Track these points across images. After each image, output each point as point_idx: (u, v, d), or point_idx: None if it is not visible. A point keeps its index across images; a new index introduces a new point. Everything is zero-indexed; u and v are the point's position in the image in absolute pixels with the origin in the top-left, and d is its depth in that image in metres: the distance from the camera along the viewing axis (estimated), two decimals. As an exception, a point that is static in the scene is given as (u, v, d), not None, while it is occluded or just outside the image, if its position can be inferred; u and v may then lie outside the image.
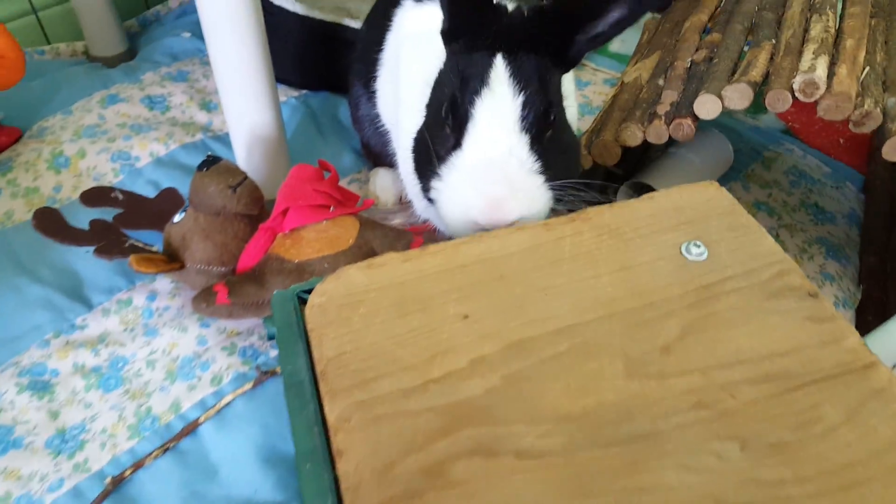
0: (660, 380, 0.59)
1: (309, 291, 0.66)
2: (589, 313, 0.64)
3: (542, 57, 0.79)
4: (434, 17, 0.87)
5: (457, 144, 0.78)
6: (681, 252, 0.69)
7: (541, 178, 0.78)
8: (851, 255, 1.19)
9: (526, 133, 0.77)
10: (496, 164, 0.76)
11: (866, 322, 1.09)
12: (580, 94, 1.52)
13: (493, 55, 0.78)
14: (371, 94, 1.13)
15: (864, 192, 1.34)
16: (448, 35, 0.83)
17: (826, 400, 0.58)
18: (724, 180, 1.30)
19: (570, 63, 0.84)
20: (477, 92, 0.77)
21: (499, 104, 0.77)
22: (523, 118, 0.77)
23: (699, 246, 0.69)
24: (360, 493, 0.52)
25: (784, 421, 0.57)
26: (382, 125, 1.13)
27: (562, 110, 0.84)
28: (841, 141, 1.45)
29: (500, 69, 0.78)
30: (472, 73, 0.78)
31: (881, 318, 1.09)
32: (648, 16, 1.78)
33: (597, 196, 0.83)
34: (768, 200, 1.27)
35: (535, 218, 0.78)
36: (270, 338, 0.67)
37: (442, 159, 0.80)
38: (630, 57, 1.41)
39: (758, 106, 1.53)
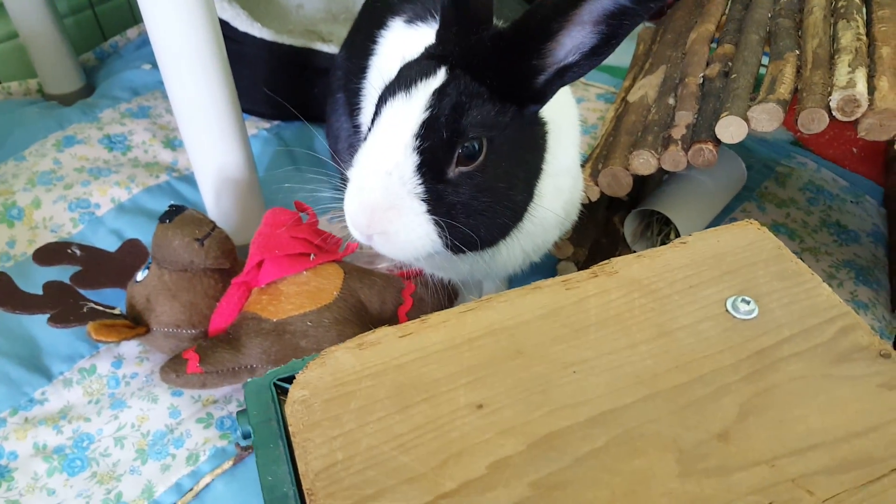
0: (721, 477, 0.49)
1: (289, 379, 0.55)
2: (628, 394, 0.54)
3: (489, 85, 0.69)
4: (427, 40, 0.77)
5: (363, 142, 0.72)
6: (727, 310, 0.59)
7: (423, 207, 0.68)
8: (881, 277, 1.10)
9: (418, 154, 0.68)
10: (377, 173, 0.68)
11: (905, 352, 0.99)
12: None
13: (439, 67, 0.70)
14: (356, 128, 1.02)
15: (884, 206, 1.25)
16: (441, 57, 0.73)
17: (921, 491, 0.48)
18: (738, 201, 1.21)
19: (537, 96, 0.73)
20: (394, 94, 0.70)
21: (405, 112, 0.69)
22: (419, 137, 0.67)
23: (748, 302, 0.59)
24: None
25: (876, 523, 0.47)
26: None
27: (499, 151, 0.71)
28: (854, 150, 1.36)
29: (431, 81, 0.69)
30: (406, 76, 0.70)
31: (921, 348, 0.99)
32: (642, 25, 1.69)
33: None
34: (787, 221, 1.18)
35: (403, 249, 0.71)
36: (245, 437, 0.56)
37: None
38: (626, 70, 1.31)
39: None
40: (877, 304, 1.04)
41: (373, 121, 0.73)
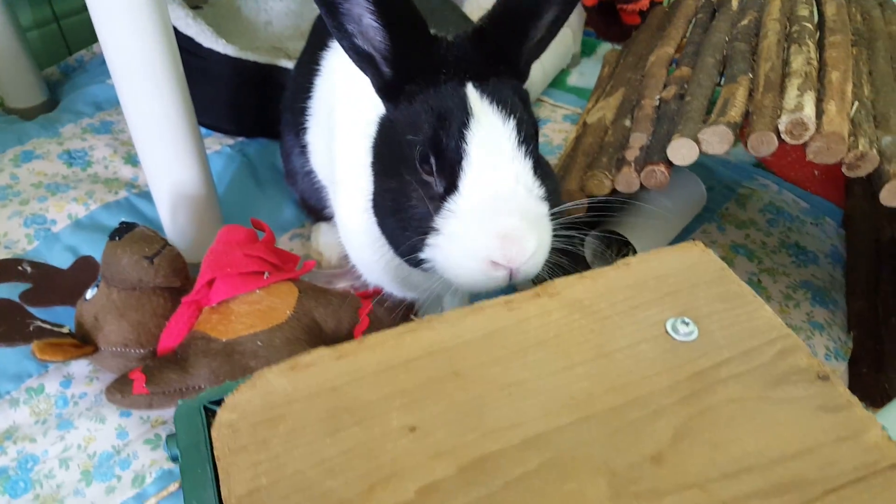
0: (652, 500, 0.48)
1: (220, 402, 0.54)
2: (562, 416, 0.53)
3: (508, 76, 0.72)
4: None
5: (450, 188, 0.68)
6: (667, 331, 0.59)
7: (546, 206, 0.70)
8: (838, 298, 1.10)
9: (527, 158, 0.69)
10: (504, 196, 0.67)
11: (860, 374, 1.00)
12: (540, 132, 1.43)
13: (463, 85, 0.69)
14: (303, 148, 1.01)
15: (843, 227, 1.26)
16: (390, 88, 0.73)
17: (852, 515, 0.48)
18: (698, 222, 1.21)
19: (523, 77, 0.76)
20: (464, 125, 0.68)
21: (492, 133, 0.68)
22: (520, 142, 0.68)
23: (688, 323, 0.59)
24: None
25: (807, 549, 0.46)
26: (318, 181, 1.01)
27: None
28: (816, 173, 1.38)
29: (476, 98, 0.69)
30: (447, 108, 0.68)
31: (876, 369, 1.00)
32: (608, 47, 1.71)
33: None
34: (746, 242, 1.18)
35: (545, 251, 0.70)
36: (174, 460, 0.54)
37: (434, 211, 0.69)
38: (591, 91, 1.32)
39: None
40: (833, 324, 1.05)
41: (441, 170, 0.69)
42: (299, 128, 0.99)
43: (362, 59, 0.71)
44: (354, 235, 0.87)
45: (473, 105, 0.69)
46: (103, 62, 1.59)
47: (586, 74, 1.60)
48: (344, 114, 0.84)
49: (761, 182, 1.32)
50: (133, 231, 0.90)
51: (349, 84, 0.83)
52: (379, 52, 0.71)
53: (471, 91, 0.69)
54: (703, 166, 1.34)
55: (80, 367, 0.99)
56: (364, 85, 0.74)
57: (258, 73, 1.28)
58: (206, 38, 1.28)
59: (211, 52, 1.27)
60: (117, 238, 0.89)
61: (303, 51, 1.10)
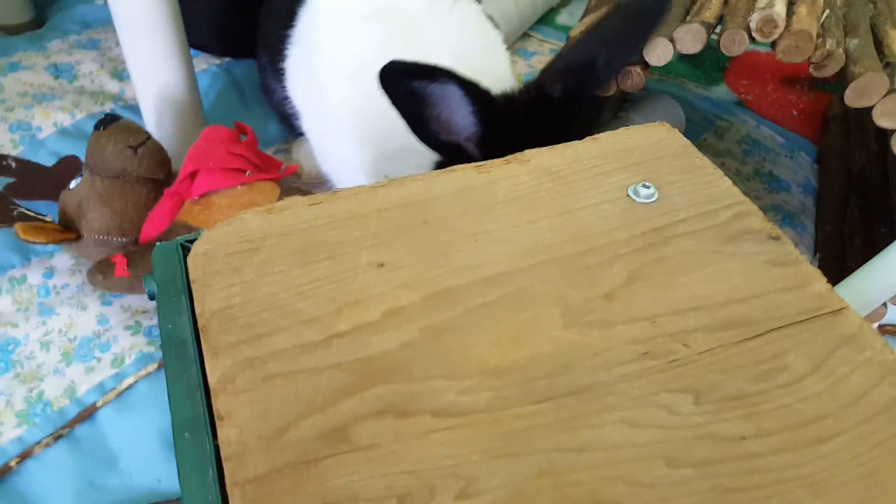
0: (602, 329, 0.51)
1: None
2: (524, 260, 0.56)
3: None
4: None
5: None
6: (628, 194, 0.61)
7: None
8: (807, 223, 1.13)
9: None
10: None
11: (824, 291, 1.03)
12: (526, 65, 1.45)
13: None
14: (278, 72, 1.02)
15: (818, 163, 1.29)
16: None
17: (791, 348, 0.51)
18: (674, 149, 1.23)
19: None
20: None
21: None
22: None
23: (648, 187, 0.61)
24: (243, 462, 0.42)
25: (744, 372, 0.49)
26: (294, 105, 1.02)
27: None
28: (794, 113, 1.40)
29: None
30: None
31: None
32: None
33: None
34: (721, 169, 1.20)
35: None
36: (151, 297, 0.57)
37: None
38: (576, 25, 1.34)
39: (710, 77, 1.48)
40: (799, 244, 1.08)
41: None
42: (277, 54, 1.00)
43: (448, 148, 0.74)
44: (337, 161, 0.91)
45: None
46: (91, -19, 1.60)
47: (575, 14, 1.61)
48: (335, 50, 0.86)
49: (741, 118, 1.35)
50: (118, 122, 0.91)
51: (340, 13, 0.85)
52: (468, 140, 0.73)
53: None
54: (686, 101, 1.37)
55: (62, 259, 1.00)
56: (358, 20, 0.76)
57: (246, -9, 1.29)
58: (196, -43, 1.28)
59: (199, -30, 1.28)
60: (102, 128, 0.90)
61: None
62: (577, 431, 0.44)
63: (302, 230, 0.57)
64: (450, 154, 0.74)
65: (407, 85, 0.68)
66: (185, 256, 0.58)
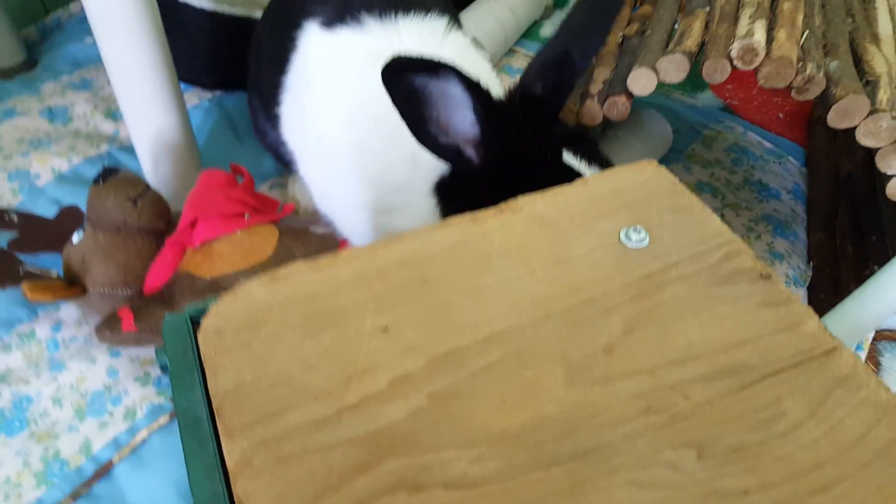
0: (604, 385, 0.53)
1: (204, 313, 0.58)
2: (523, 315, 0.57)
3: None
4: (348, 45, 0.84)
5: None
6: (620, 240, 0.63)
7: None
8: (799, 231, 1.15)
9: None
10: None
11: (819, 300, 1.05)
12: (512, 82, 1.45)
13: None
14: (272, 117, 1.03)
15: (806, 166, 1.31)
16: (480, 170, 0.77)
17: (787, 393, 0.52)
18: (664, 162, 1.24)
19: None
20: None
21: None
22: None
23: (639, 231, 0.63)
24: (263, 547, 0.44)
25: (743, 421, 0.51)
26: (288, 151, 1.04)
27: None
28: (780, 116, 1.42)
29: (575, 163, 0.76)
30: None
31: (834, 295, 1.05)
32: (578, -3, 1.73)
33: None
34: (711, 180, 1.23)
35: None
36: (163, 369, 0.58)
37: None
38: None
39: (695, 84, 1.49)
40: (793, 254, 1.09)
41: None
42: (270, 100, 1.01)
43: (446, 151, 0.75)
44: (332, 197, 0.92)
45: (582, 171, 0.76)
46: (80, 21, 1.61)
47: (558, 25, 1.62)
48: (326, 96, 0.88)
49: (727, 125, 1.36)
50: (117, 175, 0.92)
51: (331, 64, 0.87)
52: (467, 142, 0.74)
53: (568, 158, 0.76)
54: (672, 111, 1.38)
55: (69, 312, 1.02)
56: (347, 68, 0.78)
57: (234, 25, 1.30)
58: (181, -7, 1.29)
59: (186, 7, 1.28)
60: (101, 181, 0.92)
61: (265, 18, 1.09)
62: (587, 497, 0.45)
63: (306, 298, 0.58)
64: (449, 157, 0.76)
65: (409, 82, 0.69)
66: (194, 328, 0.60)
